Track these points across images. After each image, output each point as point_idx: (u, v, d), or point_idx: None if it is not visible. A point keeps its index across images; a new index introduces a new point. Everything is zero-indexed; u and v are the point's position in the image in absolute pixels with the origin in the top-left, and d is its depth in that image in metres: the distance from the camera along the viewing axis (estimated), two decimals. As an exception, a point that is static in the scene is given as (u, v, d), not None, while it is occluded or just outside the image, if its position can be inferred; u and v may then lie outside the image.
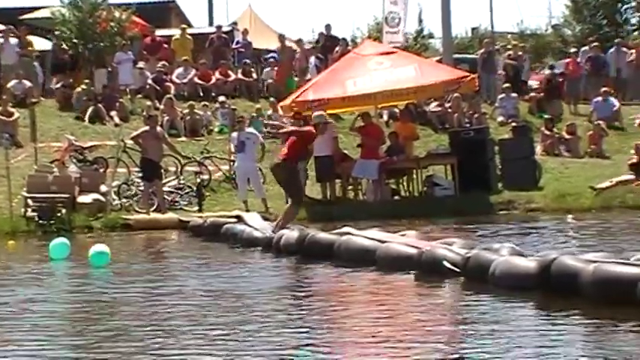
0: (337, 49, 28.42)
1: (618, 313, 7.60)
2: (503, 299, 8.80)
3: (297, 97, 22.15)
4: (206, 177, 22.19)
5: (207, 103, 26.71)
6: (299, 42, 29.84)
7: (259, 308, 8.91)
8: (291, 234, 13.65)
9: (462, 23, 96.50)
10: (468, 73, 23.60)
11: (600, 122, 25.56)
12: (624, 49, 30.11)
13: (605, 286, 8.05)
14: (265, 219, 17.55)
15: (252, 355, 6.90)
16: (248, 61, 28.83)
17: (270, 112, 25.77)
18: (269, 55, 29.44)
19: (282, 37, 29.70)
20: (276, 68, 28.44)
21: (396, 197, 21.58)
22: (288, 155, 15.28)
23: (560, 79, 28.73)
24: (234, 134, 21.28)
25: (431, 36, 50.07)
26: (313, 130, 15.60)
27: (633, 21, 45.25)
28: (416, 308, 8.77)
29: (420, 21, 51.60)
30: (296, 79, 27.76)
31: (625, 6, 44.52)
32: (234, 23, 33.37)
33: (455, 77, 22.56)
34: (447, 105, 26.29)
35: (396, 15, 30.41)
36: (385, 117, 25.67)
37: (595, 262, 8.42)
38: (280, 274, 11.62)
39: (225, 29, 30.84)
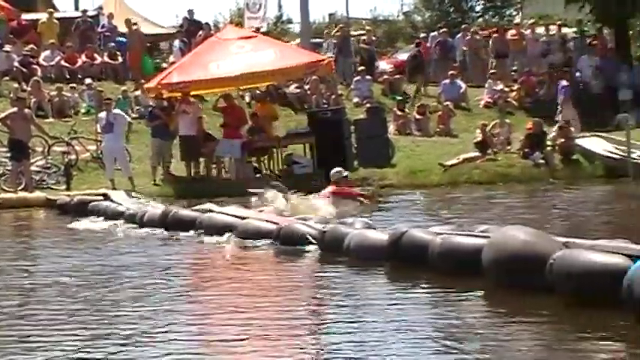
0: (200, 33, 28.04)
1: (464, 282, 7.64)
2: (356, 271, 8.78)
3: (162, 80, 21.83)
4: (73, 157, 21.66)
5: (74, 85, 26.05)
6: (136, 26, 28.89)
7: (116, 284, 8.68)
8: (154, 210, 13.38)
9: (319, 9, 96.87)
10: (325, 57, 23.60)
11: (448, 103, 25.88)
12: (469, 34, 30.55)
13: (451, 257, 8.10)
14: (131, 196, 17.22)
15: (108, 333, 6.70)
16: (113, 44, 28.20)
17: (138, 92, 25.27)
18: (116, 39, 28.64)
19: (128, 22, 28.75)
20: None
21: (258, 175, 21.45)
22: None
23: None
24: (102, 115, 20.77)
25: (290, 21, 50.07)
26: None
27: (478, 8, 46.18)
28: (273, 281, 8.68)
29: (280, 7, 51.73)
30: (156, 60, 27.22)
31: (470, -6, 45.38)
32: (100, 8, 32.59)
33: (313, 60, 22.54)
34: (306, 87, 26.26)
35: (257, 1, 30.27)
36: (247, 98, 25.49)
37: (442, 234, 8.47)
38: (142, 249, 11.33)
39: (90, 13, 30.06)
